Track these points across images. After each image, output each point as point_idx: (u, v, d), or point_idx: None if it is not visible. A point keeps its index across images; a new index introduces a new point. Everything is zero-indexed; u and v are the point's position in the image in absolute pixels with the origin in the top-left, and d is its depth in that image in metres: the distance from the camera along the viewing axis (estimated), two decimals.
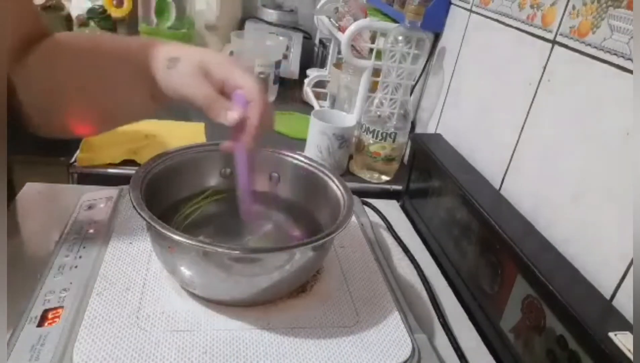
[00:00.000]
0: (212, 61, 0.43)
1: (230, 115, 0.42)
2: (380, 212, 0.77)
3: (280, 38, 1.27)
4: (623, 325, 0.44)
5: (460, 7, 0.84)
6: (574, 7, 0.57)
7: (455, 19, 0.85)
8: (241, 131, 0.44)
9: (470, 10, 0.80)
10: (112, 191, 0.67)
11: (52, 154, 0.95)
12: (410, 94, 0.90)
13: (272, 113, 0.45)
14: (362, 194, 0.79)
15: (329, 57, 1.22)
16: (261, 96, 0.43)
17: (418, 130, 0.97)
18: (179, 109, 1.05)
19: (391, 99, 0.86)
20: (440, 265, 0.70)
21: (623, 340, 0.41)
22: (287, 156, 0.62)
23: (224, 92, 0.44)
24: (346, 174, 0.91)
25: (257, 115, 0.43)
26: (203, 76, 0.43)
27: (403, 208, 0.85)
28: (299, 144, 0.93)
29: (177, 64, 0.42)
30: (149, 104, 0.48)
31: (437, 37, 0.91)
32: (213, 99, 0.43)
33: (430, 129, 0.91)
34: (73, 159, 0.80)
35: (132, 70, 0.45)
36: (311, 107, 1.14)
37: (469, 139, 0.78)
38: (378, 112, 0.87)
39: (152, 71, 0.43)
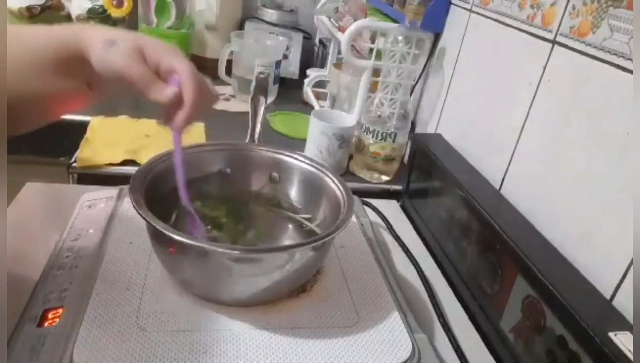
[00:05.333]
0: (147, 44, 0.44)
1: (165, 92, 0.44)
2: (380, 212, 0.77)
3: (280, 38, 1.27)
4: (623, 325, 0.44)
5: (460, 7, 0.84)
6: (574, 7, 0.57)
7: (455, 19, 0.85)
8: (174, 112, 0.45)
9: (470, 10, 0.80)
10: (112, 191, 0.67)
11: (52, 154, 0.95)
12: (410, 94, 0.90)
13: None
14: (362, 194, 0.79)
15: (329, 57, 1.22)
16: (193, 79, 0.44)
17: (418, 130, 0.97)
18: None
19: (391, 99, 0.86)
20: (440, 264, 0.70)
21: (623, 340, 0.41)
22: (287, 156, 0.62)
23: (159, 75, 0.45)
24: (346, 174, 0.91)
25: (189, 98, 0.44)
26: (141, 58, 0.44)
27: (403, 208, 0.85)
28: (299, 144, 0.93)
29: (113, 46, 0.43)
30: (85, 93, 0.48)
31: (437, 37, 0.91)
32: (150, 78, 0.44)
33: (430, 129, 0.91)
34: (73, 159, 0.80)
35: (61, 57, 0.44)
36: (311, 107, 1.14)
37: (469, 139, 0.78)
38: (378, 112, 0.87)
39: (87, 56, 0.43)
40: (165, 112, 0.45)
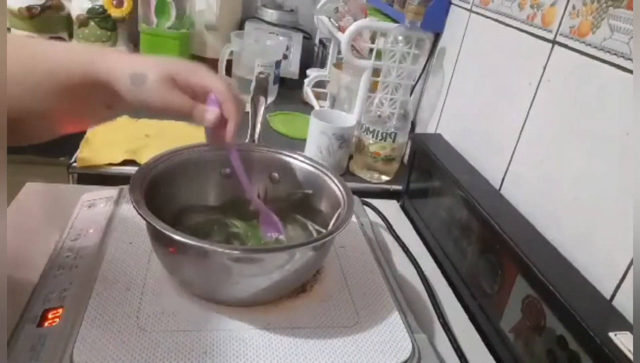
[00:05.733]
0: (175, 70, 0.45)
1: (209, 115, 0.45)
2: (380, 212, 0.77)
3: (280, 38, 1.27)
4: (623, 325, 0.44)
5: (460, 7, 0.84)
6: (574, 7, 0.57)
7: (455, 19, 0.85)
8: (219, 130, 0.47)
9: (470, 10, 0.80)
10: (112, 191, 0.67)
11: (52, 154, 0.95)
12: (410, 94, 0.90)
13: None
14: (362, 194, 0.79)
15: (329, 57, 1.22)
16: (230, 95, 0.46)
17: (418, 130, 0.97)
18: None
19: (391, 99, 0.86)
20: (440, 265, 0.70)
21: (623, 340, 0.41)
22: (287, 156, 0.62)
23: (194, 96, 0.46)
24: (346, 174, 0.91)
25: (233, 114, 0.46)
26: (173, 86, 0.44)
27: (403, 208, 0.85)
28: (299, 144, 0.93)
29: (144, 80, 0.43)
30: (104, 113, 0.48)
31: (437, 37, 0.91)
32: (190, 106, 0.45)
33: (430, 129, 0.91)
34: (73, 159, 0.80)
35: (82, 83, 0.43)
36: (311, 107, 1.14)
37: (469, 139, 0.78)
38: (378, 112, 0.87)
39: (110, 85, 0.43)
40: (210, 133, 0.47)
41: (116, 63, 0.43)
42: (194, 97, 0.45)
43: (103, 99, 0.45)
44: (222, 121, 0.46)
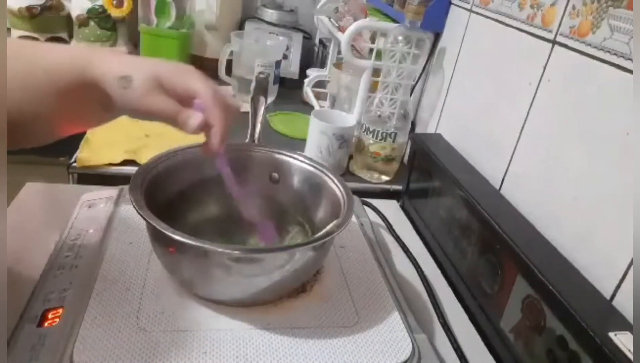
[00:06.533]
0: (162, 72, 0.44)
1: (192, 121, 0.44)
2: (380, 212, 0.77)
3: (280, 38, 1.27)
4: (623, 325, 0.44)
5: (460, 7, 0.84)
6: (574, 7, 0.57)
7: (455, 19, 0.85)
8: (205, 132, 0.46)
9: (470, 10, 0.80)
10: (112, 191, 0.67)
11: (52, 154, 0.95)
12: (410, 94, 0.90)
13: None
14: (362, 194, 0.79)
15: (329, 57, 1.22)
16: (215, 101, 0.45)
17: (418, 130, 0.97)
18: None
19: (391, 99, 0.86)
20: (440, 265, 0.70)
21: (623, 340, 0.41)
22: (287, 156, 0.62)
23: (181, 100, 0.45)
24: (346, 174, 0.91)
25: (217, 120, 0.45)
26: (159, 90, 0.43)
27: (403, 208, 0.85)
28: (299, 144, 0.93)
29: (130, 84, 0.42)
30: (101, 115, 0.48)
31: (437, 37, 0.91)
32: (173, 111, 0.44)
33: (430, 129, 0.91)
34: (73, 159, 0.80)
35: (75, 84, 0.43)
36: (311, 107, 1.14)
37: (469, 139, 0.78)
38: (378, 112, 0.87)
39: (102, 87, 0.43)
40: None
41: (107, 65, 0.43)
42: (180, 101, 0.44)
43: (99, 101, 0.45)
44: (207, 127, 0.45)
